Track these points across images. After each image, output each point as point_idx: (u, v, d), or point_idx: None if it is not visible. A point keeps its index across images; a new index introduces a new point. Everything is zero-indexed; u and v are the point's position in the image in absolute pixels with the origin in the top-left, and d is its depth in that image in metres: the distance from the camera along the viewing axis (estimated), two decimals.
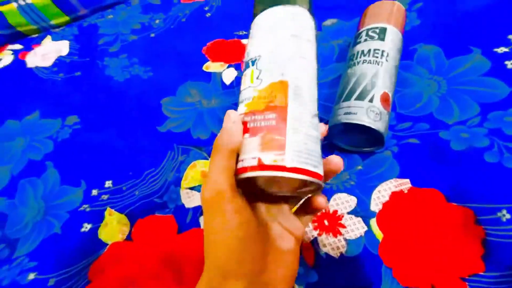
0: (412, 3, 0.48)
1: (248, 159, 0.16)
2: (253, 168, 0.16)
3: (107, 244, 0.34)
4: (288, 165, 0.16)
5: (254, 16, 0.22)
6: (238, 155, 0.18)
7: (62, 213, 0.38)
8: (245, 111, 0.18)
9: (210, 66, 0.49)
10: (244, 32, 0.53)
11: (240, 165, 0.17)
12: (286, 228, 0.20)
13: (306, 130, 0.17)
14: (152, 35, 0.58)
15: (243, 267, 0.16)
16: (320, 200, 0.20)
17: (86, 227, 0.36)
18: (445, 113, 0.35)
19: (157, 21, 0.60)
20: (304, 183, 0.17)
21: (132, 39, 0.58)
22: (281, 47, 0.19)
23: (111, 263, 0.32)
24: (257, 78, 0.18)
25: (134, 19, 0.62)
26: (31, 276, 0.32)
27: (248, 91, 0.19)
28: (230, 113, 0.18)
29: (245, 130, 0.17)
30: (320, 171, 0.17)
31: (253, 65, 0.19)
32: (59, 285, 0.31)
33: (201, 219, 0.33)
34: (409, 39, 0.43)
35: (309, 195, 0.20)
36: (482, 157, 0.29)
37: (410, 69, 0.40)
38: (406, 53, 0.42)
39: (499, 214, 0.26)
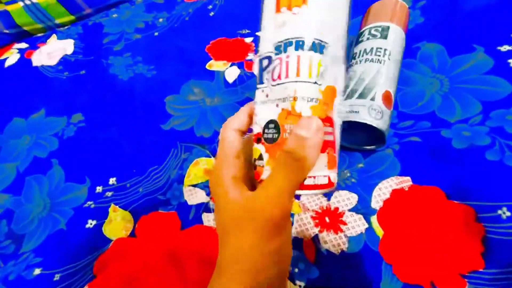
0: (415, 1, 0.48)
1: (320, 177, 0.16)
2: (325, 186, 0.16)
3: (111, 240, 0.34)
4: (335, 181, 0.17)
5: None
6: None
7: (67, 210, 0.38)
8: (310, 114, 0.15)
9: (213, 65, 0.49)
10: (247, 31, 0.53)
11: (311, 181, 0.16)
12: None
13: (338, 143, 0.17)
14: (156, 34, 0.58)
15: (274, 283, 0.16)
16: None
17: (91, 223, 0.36)
18: (447, 111, 0.35)
19: (160, 20, 0.60)
20: None
21: (136, 38, 0.58)
22: (344, 37, 0.15)
23: (115, 259, 0.32)
24: (322, 74, 0.15)
25: (138, 18, 0.62)
26: (37, 271, 0.33)
27: (311, 89, 0.15)
28: (312, 121, 0.15)
29: None
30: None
31: (321, 52, 0.14)
32: (64, 280, 0.32)
33: (205, 216, 0.33)
34: (412, 37, 0.43)
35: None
36: (484, 155, 0.29)
37: (413, 67, 0.40)
38: (409, 51, 0.42)
39: (499, 211, 0.26)
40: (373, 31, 0.36)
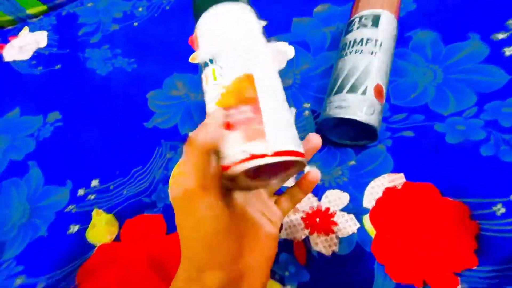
0: None
1: (236, 153, 0.17)
2: (243, 161, 0.16)
3: (95, 246, 0.33)
4: (276, 150, 0.16)
5: (196, 17, 0.21)
6: (216, 151, 0.17)
7: (48, 215, 0.36)
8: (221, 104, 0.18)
9: (196, 57, 0.46)
10: None
11: (227, 161, 0.17)
12: (263, 213, 0.21)
13: (280, 116, 0.18)
14: (135, 24, 0.54)
15: (218, 259, 0.16)
16: (313, 173, 0.21)
17: (73, 228, 0.35)
18: (441, 103, 0.33)
19: (140, 9, 0.57)
20: (292, 163, 0.17)
21: (114, 29, 0.55)
22: (238, 43, 0.19)
23: (99, 266, 0.31)
24: (220, 75, 0.18)
25: (115, 7, 0.58)
26: (19, 281, 0.31)
27: (214, 90, 0.19)
28: (212, 111, 0.18)
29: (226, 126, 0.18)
30: (302, 150, 0.18)
31: (212, 63, 0.19)
32: None
33: None
34: (405, 25, 0.41)
35: (293, 175, 0.20)
36: (478, 150, 0.28)
37: (405, 57, 0.39)
38: (401, 40, 0.40)
39: (494, 208, 0.26)
40: (363, 20, 0.34)
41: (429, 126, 0.32)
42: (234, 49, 0.19)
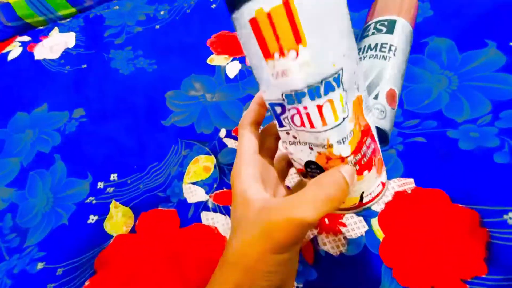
0: None
1: (376, 188, 0.17)
2: (380, 191, 0.17)
3: (112, 236, 0.35)
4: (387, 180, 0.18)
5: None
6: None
7: (70, 205, 0.39)
8: (351, 150, 0.15)
9: (215, 59, 0.48)
10: None
11: (367, 196, 0.17)
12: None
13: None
14: (157, 26, 0.57)
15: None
16: None
17: (93, 219, 0.37)
18: (455, 110, 0.33)
19: (162, 12, 0.59)
20: None
21: (137, 31, 0.58)
22: (348, 33, 0.13)
23: (116, 255, 0.33)
24: (346, 105, 0.14)
25: (139, 10, 0.61)
26: (40, 265, 0.34)
27: (342, 129, 0.14)
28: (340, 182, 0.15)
29: (362, 168, 0.15)
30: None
31: (338, 85, 0.13)
32: (67, 275, 0.32)
33: (203, 215, 0.33)
34: (421, 31, 0.41)
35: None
36: (492, 157, 0.28)
37: (420, 64, 0.39)
38: (417, 46, 0.40)
39: (505, 216, 0.25)
40: (378, 26, 0.35)
41: (442, 132, 0.32)
42: (355, 64, 0.14)
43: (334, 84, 0.13)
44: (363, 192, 0.16)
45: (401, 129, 0.34)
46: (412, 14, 0.36)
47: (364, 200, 0.17)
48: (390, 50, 0.33)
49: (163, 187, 0.37)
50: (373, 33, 0.35)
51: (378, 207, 0.29)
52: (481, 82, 0.34)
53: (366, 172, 0.16)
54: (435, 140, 0.32)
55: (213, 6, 0.57)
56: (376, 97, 0.30)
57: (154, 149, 0.41)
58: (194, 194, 0.35)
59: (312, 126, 0.14)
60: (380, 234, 0.28)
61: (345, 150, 0.14)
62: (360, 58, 0.34)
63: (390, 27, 0.34)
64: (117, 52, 0.55)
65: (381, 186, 0.16)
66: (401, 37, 0.34)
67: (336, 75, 0.13)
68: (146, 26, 0.58)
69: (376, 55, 0.33)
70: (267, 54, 0.13)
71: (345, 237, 0.28)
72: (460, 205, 0.27)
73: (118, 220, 0.36)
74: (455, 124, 0.32)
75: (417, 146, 0.32)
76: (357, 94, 0.14)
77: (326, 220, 0.29)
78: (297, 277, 0.27)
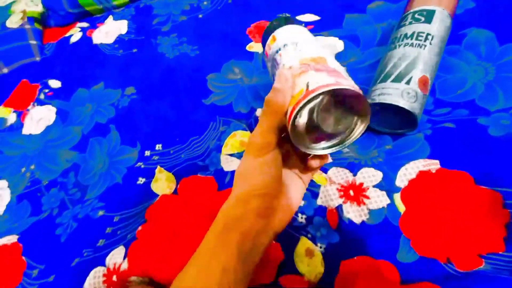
0: None
1: (317, 83, 0.20)
2: (323, 86, 0.20)
3: (158, 195, 0.40)
4: (341, 84, 0.20)
5: (269, 31, 0.29)
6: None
7: (122, 168, 0.45)
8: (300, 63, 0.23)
9: (253, 46, 0.52)
10: (287, 15, 0.54)
11: (311, 87, 0.20)
12: (299, 175, 0.25)
13: (342, 71, 0.23)
14: (200, 16, 0.62)
15: (265, 187, 0.21)
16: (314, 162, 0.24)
17: (141, 180, 0.42)
18: (489, 100, 0.34)
19: (205, 3, 0.64)
20: (356, 103, 0.21)
21: (182, 20, 0.63)
22: (312, 39, 0.27)
23: (163, 210, 0.38)
24: (300, 50, 0.26)
25: (184, 1, 0.66)
26: (101, 212, 0.40)
27: (294, 57, 0.25)
28: (282, 72, 0.21)
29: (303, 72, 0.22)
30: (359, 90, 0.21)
31: (291, 45, 0.26)
32: (123, 221, 0.38)
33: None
34: (460, 22, 0.41)
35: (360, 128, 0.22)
36: None
37: (457, 54, 0.39)
38: (455, 37, 0.41)
39: None
40: (416, 15, 0.36)
41: (472, 119, 0.33)
42: (311, 41, 0.26)
43: (289, 44, 0.26)
44: (308, 82, 0.20)
45: (431, 116, 0.35)
46: (453, 5, 0.37)
47: (310, 88, 0.20)
48: (426, 39, 0.34)
49: (202, 157, 0.42)
50: (410, 23, 0.36)
51: (401, 183, 0.31)
52: None
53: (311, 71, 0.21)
54: (465, 126, 0.33)
55: None
56: (408, 82, 0.32)
57: (195, 124, 0.46)
58: (230, 164, 0.39)
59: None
60: (401, 208, 0.30)
61: (287, 66, 0.24)
62: (396, 46, 0.36)
63: (429, 16, 0.35)
64: (163, 38, 0.61)
65: (332, 79, 0.19)
66: (439, 27, 0.35)
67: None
68: (190, 15, 0.63)
69: (412, 43, 0.34)
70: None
71: (368, 208, 0.30)
72: (483, 186, 0.28)
73: (163, 182, 0.41)
74: (487, 112, 0.33)
75: (446, 131, 0.33)
76: (319, 55, 0.24)
77: (351, 192, 0.32)
78: (321, 239, 0.30)
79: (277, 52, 0.27)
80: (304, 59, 0.23)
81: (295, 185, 0.24)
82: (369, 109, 0.20)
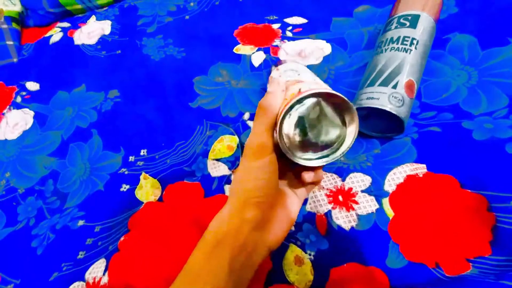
0: None
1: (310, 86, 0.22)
2: (305, 91, 0.21)
3: (142, 203, 0.38)
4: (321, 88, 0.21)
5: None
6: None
7: (104, 174, 0.43)
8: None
9: (241, 49, 0.51)
10: (275, 17, 0.54)
11: (303, 90, 0.22)
12: (294, 191, 0.25)
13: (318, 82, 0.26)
14: (187, 17, 0.61)
15: (261, 198, 0.20)
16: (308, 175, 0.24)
17: (125, 187, 0.41)
18: (472, 104, 0.35)
19: (191, 4, 0.63)
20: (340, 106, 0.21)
21: (168, 21, 0.61)
22: (307, 72, 0.33)
23: (147, 218, 0.36)
24: (298, 75, 0.32)
25: (170, 1, 0.65)
26: (80, 222, 0.38)
27: (291, 77, 0.30)
28: (275, 78, 0.22)
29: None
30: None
31: (294, 71, 0.33)
32: (104, 231, 0.36)
33: (227, 187, 0.36)
34: (444, 27, 0.42)
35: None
36: (504, 147, 0.30)
37: (441, 59, 0.40)
38: (439, 41, 0.41)
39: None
40: (402, 20, 0.36)
41: (457, 123, 0.33)
42: (306, 72, 0.32)
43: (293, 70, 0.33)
44: (300, 88, 0.21)
45: (417, 120, 0.36)
46: (437, 10, 0.37)
47: (302, 90, 0.21)
48: (411, 43, 0.34)
49: (189, 163, 0.41)
50: (396, 27, 0.36)
51: (390, 188, 0.31)
52: (500, 78, 0.35)
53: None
54: (450, 130, 0.33)
55: None
56: (394, 87, 0.32)
57: (181, 128, 0.45)
58: (217, 169, 0.38)
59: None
60: (390, 213, 0.30)
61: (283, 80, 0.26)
62: (382, 50, 0.36)
63: (414, 21, 0.35)
64: (149, 40, 0.59)
65: (324, 88, 0.21)
66: (423, 31, 0.35)
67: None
68: (176, 17, 0.62)
69: (398, 47, 0.34)
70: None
71: (356, 214, 0.30)
72: (469, 190, 0.29)
73: (148, 189, 0.40)
74: (471, 116, 0.33)
75: (432, 135, 0.33)
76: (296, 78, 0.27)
77: (340, 197, 0.31)
78: (310, 246, 0.30)
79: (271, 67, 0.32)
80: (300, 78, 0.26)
81: (290, 200, 0.24)
82: (357, 121, 0.21)
